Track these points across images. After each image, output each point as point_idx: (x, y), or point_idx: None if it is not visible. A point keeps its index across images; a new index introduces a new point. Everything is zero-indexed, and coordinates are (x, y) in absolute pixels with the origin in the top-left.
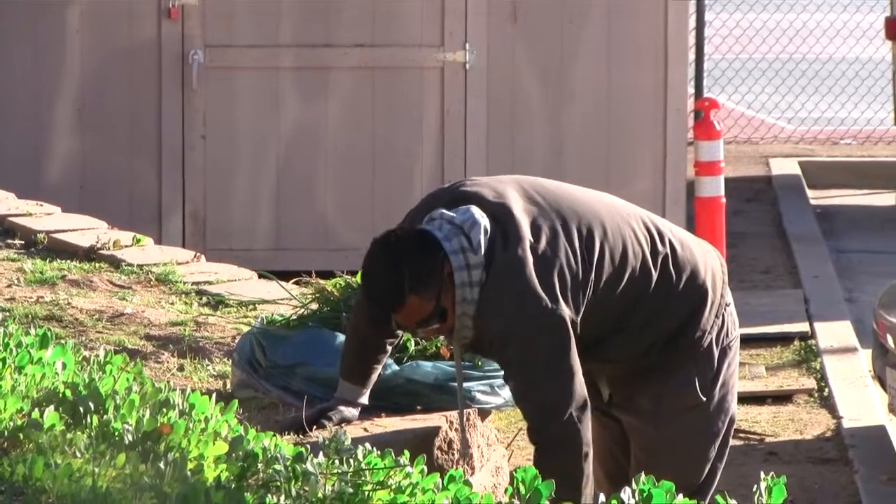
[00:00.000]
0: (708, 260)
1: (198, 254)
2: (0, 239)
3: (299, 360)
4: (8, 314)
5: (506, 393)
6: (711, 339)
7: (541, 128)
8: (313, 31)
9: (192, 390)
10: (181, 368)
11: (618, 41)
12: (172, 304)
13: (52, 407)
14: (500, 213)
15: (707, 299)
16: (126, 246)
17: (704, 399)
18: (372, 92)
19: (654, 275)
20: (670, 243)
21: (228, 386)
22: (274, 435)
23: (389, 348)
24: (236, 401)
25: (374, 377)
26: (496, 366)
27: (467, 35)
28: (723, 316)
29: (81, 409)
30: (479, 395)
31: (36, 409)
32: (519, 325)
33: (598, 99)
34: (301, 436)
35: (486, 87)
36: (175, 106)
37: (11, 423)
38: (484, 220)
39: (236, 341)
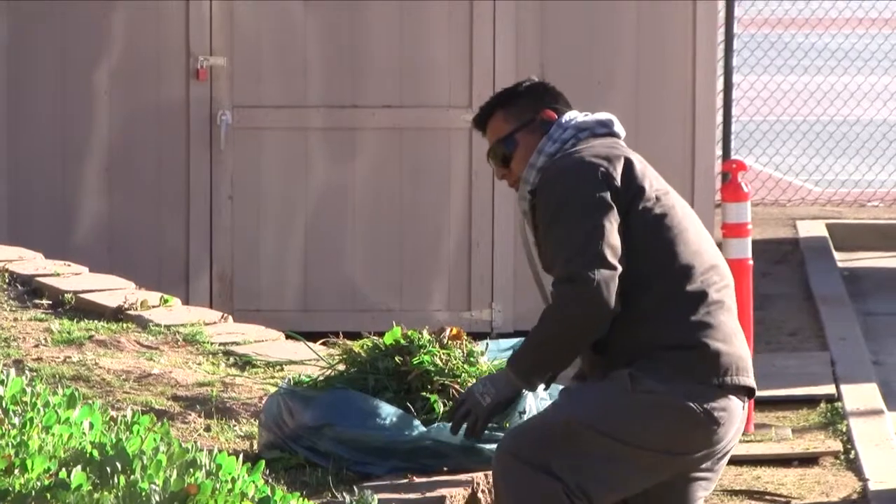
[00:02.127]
0: (741, 348)
1: (225, 314)
2: (28, 299)
3: (326, 421)
4: (35, 374)
5: None
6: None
7: None
8: (341, 91)
9: (220, 451)
10: (208, 429)
11: (646, 103)
12: (200, 364)
13: (79, 467)
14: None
15: (708, 349)
16: (154, 306)
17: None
18: (400, 153)
19: (687, 284)
20: (725, 289)
21: (255, 446)
22: (301, 496)
23: None
24: (263, 461)
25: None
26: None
27: None
28: (712, 391)
29: (108, 469)
30: None
31: (63, 469)
32: (564, 173)
33: None
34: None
35: None
36: (203, 166)
37: (39, 483)
38: (609, 119)
39: (263, 402)
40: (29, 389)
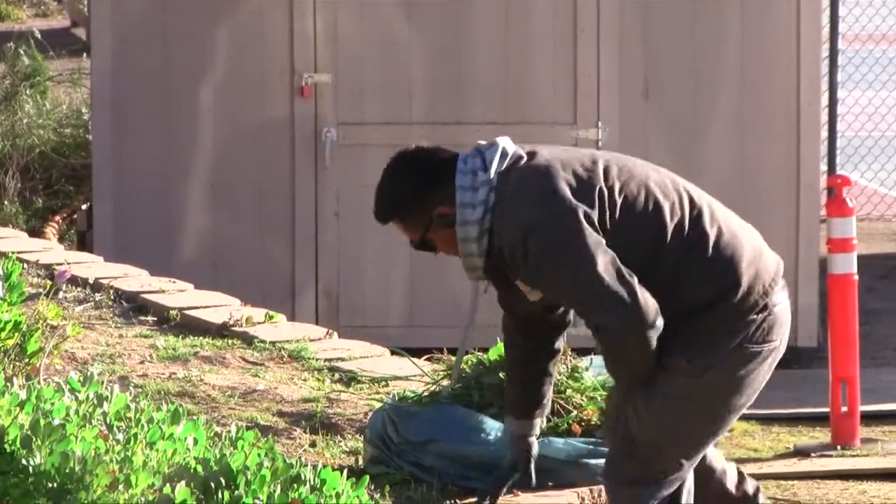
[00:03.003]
0: (757, 257)
1: (330, 331)
2: (133, 315)
3: (431, 437)
4: (140, 390)
5: None
6: (730, 334)
7: None
8: (445, 108)
9: (324, 466)
10: (313, 444)
11: (749, 117)
12: (305, 380)
13: (183, 482)
14: (534, 149)
15: (738, 289)
16: (259, 323)
17: (693, 372)
18: None
19: (685, 240)
20: (718, 227)
21: (360, 462)
22: None
23: (551, 368)
24: (368, 476)
25: (543, 405)
26: None
27: (599, 112)
28: (756, 318)
29: (212, 484)
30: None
31: (167, 485)
32: (535, 217)
33: (730, 175)
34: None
35: None
36: (308, 183)
37: (143, 499)
38: (506, 145)
39: (368, 417)
40: (133, 405)
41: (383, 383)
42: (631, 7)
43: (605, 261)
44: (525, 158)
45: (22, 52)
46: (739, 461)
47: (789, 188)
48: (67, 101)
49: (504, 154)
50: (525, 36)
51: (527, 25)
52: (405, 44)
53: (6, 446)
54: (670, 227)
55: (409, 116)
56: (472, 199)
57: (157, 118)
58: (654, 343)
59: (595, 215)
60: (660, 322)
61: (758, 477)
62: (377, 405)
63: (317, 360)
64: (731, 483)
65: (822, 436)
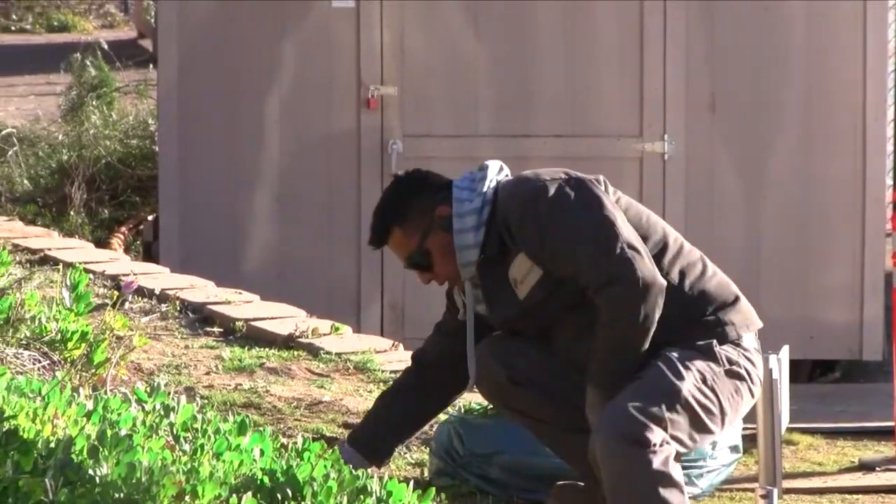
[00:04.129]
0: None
1: (396, 342)
2: (199, 327)
3: (497, 449)
4: (206, 401)
5: (703, 483)
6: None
7: (738, 218)
8: (511, 121)
9: (390, 478)
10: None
11: (816, 131)
12: (370, 392)
13: (249, 493)
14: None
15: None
16: (324, 334)
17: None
18: None
19: (684, 253)
20: (704, 265)
21: (426, 474)
22: None
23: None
24: (433, 488)
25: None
26: (693, 456)
27: (666, 125)
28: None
29: (279, 495)
30: None
31: (234, 496)
32: (545, 186)
33: (796, 189)
34: None
35: (684, 178)
36: (374, 195)
37: None
38: (501, 164)
39: (434, 429)
40: (200, 416)
41: None
42: (697, 20)
43: (621, 216)
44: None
45: (88, 63)
46: (804, 475)
47: (855, 203)
48: (134, 112)
49: (501, 168)
50: (591, 48)
51: (593, 38)
52: (471, 56)
53: (73, 456)
54: (672, 239)
55: (476, 129)
56: (469, 195)
57: (224, 130)
58: (657, 312)
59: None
60: (662, 300)
61: (822, 491)
62: (443, 417)
63: (382, 371)
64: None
65: (887, 450)
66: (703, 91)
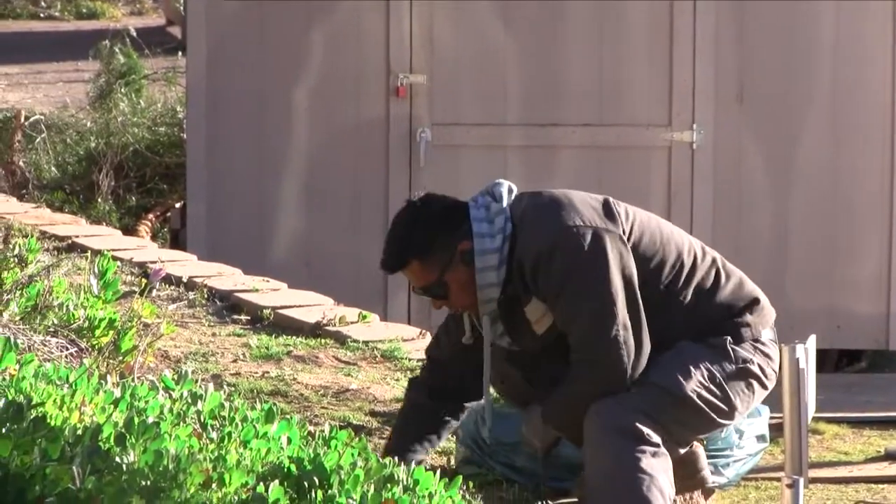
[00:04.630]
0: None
1: (423, 331)
2: (226, 314)
3: None
4: (233, 389)
5: (729, 472)
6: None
7: (766, 208)
8: (540, 110)
9: (417, 466)
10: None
11: (843, 122)
12: (398, 380)
13: (276, 481)
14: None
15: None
16: (352, 322)
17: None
18: (598, 171)
19: (700, 263)
20: (717, 274)
21: (452, 462)
22: None
23: (444, 432)
24: (460, 477)
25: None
26: (720, 445)
27: (694, 115)
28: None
29: (306, 483)
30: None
31: (261, 484)
32: (561, 238)
33: (824, 180)
34: None
35: (712, 168)
36: (402, 184)
37: (236, 497)
38: (509, 183)
39: (461, 418)
40: (227, 404)
41: None
42: (726, 11)
43: (625, 302)
44: (530, 193)
45: (117, 50)
46: (830, 464)
47: (883, 195)
48: (162, 100)
49: (510, 189)
50: (620, 38)
51: (622, 27)
52: (500, 45)
53: (100, 444)
54: (686, 254)
55: (504, 118)
56: (490, 229)
57: (252, 117)
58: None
59: (619, 231)
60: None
61: (848, 480)
62: (471, 404)
63: (409, 360)
64: None
65: None
66: (732, 82)
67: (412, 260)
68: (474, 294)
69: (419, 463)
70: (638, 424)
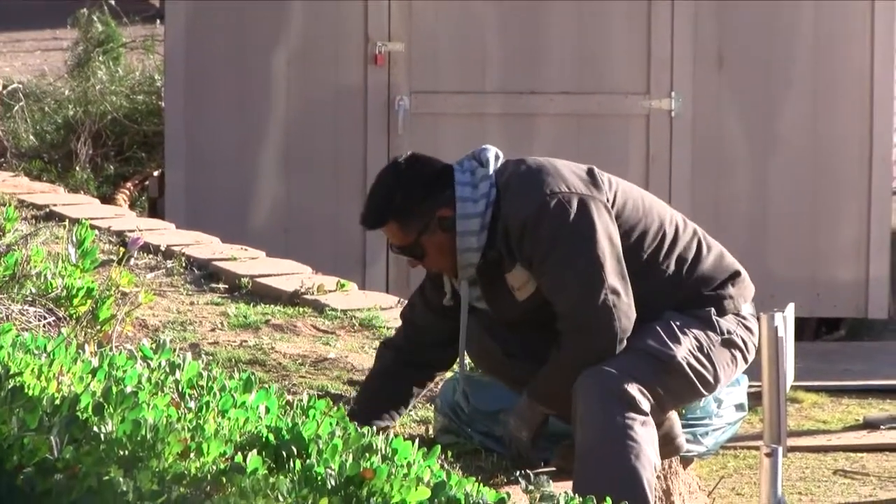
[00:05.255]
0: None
1: (402, 299)
2: (204, 283)
3: (502, 407)
4: (211, 358)
5: (708, 441)
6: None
7: (745, 175)
8: (519, 77)
9: (395, 435)
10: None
11: (823, 89)
12: (376, 349)
13: (254, 451)
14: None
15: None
16: (330, 291)
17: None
18: (577, 139)
19: (682, 233)
20: (698, 245)
21: (431, 431)
22: (477, 481)
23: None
24: (439, 446)
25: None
26: (699, 414)
27: (673, 83)
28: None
29: (284, 453)
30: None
31: (239, 454)
32: (547, 204)
33: (803, 147)
34: None
35: (691, 135)
36: (380, 152)
37: (214, 467)
38: (496, 150)
39: (439, 387)
40: (205, 373)
41: None
42: None
43: (613, 267)
44: (514, 160)
45: (95, 18)
46: (809, 433)
47: (862, 161)
48: (140, 68)
49: (497, 156)
50: (599, 5)
51: None
52: (479, 12)
53: (78, 414)
54: (668, 224)
55: (483, 85)
56: (473, 193)
57: (230, 85)
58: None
59: (604, 199)
60: (622, 346)
61: (827, 449)
62: (448, 375)
63: (388, 328)
64: None
65: (891, 408)
66: (711, 48)
67: (390, 221)
68: (451, 258)
69: (383, 430)
70: (629, 389)
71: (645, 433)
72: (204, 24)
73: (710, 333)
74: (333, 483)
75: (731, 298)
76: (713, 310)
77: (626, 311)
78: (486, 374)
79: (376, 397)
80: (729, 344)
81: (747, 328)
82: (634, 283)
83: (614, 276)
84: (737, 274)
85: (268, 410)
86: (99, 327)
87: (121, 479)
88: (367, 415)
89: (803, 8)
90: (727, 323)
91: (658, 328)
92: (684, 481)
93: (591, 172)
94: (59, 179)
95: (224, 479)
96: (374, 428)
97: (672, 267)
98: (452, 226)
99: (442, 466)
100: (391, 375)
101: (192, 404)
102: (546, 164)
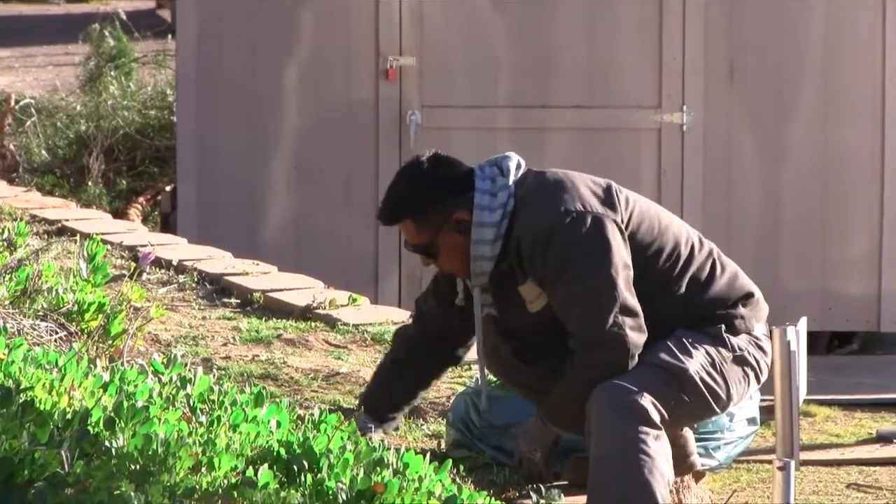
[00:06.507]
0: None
1: (413, 314)
2: (216, 297)
3: (513, 421)
4: (223, 372)
5: (720, 455)
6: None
7: (756, 188)
8: (530, 91)
9: (407, 449)
10: (396, 428)
11: (834, 101)
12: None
13: (266, 465)
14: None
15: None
16: (342, 305)
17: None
18: (588, 153)
19: (698, 254)
20: (713, 265)
21: (443, 445)
22: (488, 495)
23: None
24: (450, 460)
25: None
26: (711, 428)
27: (684, 96)
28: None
29: (295, 467)
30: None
31: (250, 468)
32: (560, 221)
33: (814, 159)
34: None
35: (702, 148)
36: (392, 166)
37: (225, 481)
38: (518, 158)
39: (451, 401)
40: (217, 388)
41: (466, 367)
42: None
43: (625, 286)
44: (535, 172)
45: (107, 33)
46: (821, 447)
47: (874, 173)
48: (152, 83)
49: (518, 165)
50: (610, 19)
51: (612, 8)
52: (490, 27)
53: (90, 428)
54: (683, 243)
55: (495, 100)
56: (491, 202)
57: (242, 100)
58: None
59: (618, 218)
60: (634, 362)
61: (839, 463)
62: (460, 389)
63: None
64: None
65: None
66: (722, 61)
67: (406, 218)
68: (464, 261)
69: (391, 421)
70: (642, 402)
71: (658, 447)
72: (215, 39)
73: (722, 350)
74: (345, 497)
75: (742, 318)
76: (724, 327)
77: (638, 330)
78: (496, 377)
79: (385, 383)
80: (741, 361)
81: (760, 348)
82: (646, 302)
83: (626, 294)
84: (750, 295)
85: (279, 425)
86: (110, 342)
87: (132, 494)
88: (374, 401)
89: (814, 20)
90: (739, 341)
91: (670, 343)
92: (697, 495)
93: (608, 189)
94: (71, 194)
95: (235, 494)
96: (380, 429)
97: (685, 287)
98: (468, 229)
99: (454, 480)
100: (400, 363)
101: (203, 419)
102: (564, 180)
